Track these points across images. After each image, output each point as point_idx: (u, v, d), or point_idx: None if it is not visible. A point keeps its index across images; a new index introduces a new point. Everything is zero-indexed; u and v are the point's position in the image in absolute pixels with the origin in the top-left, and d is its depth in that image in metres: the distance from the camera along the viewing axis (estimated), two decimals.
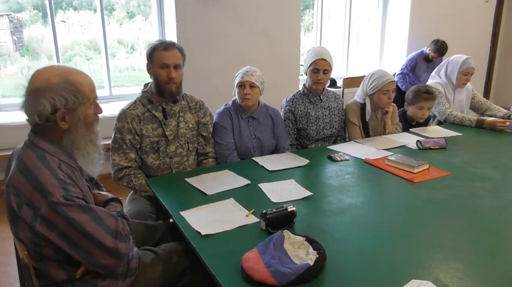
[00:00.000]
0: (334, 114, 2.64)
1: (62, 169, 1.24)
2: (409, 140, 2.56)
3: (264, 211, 1.44)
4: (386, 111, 2.67)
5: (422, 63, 4.73)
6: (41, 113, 1.22)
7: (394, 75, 4.57)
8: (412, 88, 2.92)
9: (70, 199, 1.17)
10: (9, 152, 1.38)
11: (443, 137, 2.55)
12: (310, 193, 1.76)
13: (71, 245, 1.19)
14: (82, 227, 1.17)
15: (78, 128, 1.30)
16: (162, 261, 1.48)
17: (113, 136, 2.07)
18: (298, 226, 1.49)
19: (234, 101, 2.35)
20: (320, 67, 2.45)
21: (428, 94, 2.83)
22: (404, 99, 3.01)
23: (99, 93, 3.96)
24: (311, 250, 1.25)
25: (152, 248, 1.53)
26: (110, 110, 3.52)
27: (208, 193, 1.77)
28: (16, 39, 4.24)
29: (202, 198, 1.73)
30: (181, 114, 2.15)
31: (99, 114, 1.40)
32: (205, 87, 3.93)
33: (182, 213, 1.58)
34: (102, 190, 1.57)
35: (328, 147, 2.47)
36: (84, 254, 1.20)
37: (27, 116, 1.26)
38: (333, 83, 4.99)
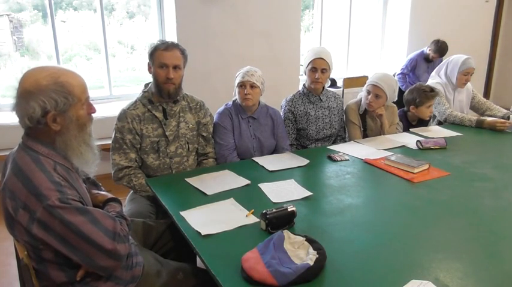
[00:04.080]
0: (334, 114, 2.64)
1: (58, 171, 1.23)
2: (409, 140, 2.56)
3: (264, 211, 1.44)
4: (380, 114, 2.66)
5: (422, 64, 4.73)
6: (31, 116, 1.21)
7: (394, 75, 4.58)
8: (412, 90, 2.90)
9: (66, 202, 1.16)
10: (9, 153, 1.38)
11: (443, 137, 2.55)
12: (310, 193, 1.76)
13: (68, 248, 1.18)
14: (79, 230, 1.16)
15: (70, 129, 1.28)
16: (167, 275, 1.46)
17: (113, 136, 2.07)
18: (298, 226, 1.48)
19: (234, 101, 2.35)
20: (318, 66, 2.45)
21: (433, 92, 2.86)
22: (403, 99, 3.01)
23: (99, 93, 3.98)
24: (311, 250, 1.25)
25: (160, 259, 1.52)
26: (110, 110, 3.53)
27: (208, 193, 1.77)
28: (16, 39, 4.24)
29: (202, 198, 1.73)
30: (181, 114, 2.15)
31: (94, 114, 1.38)
32: (205, 88, 3.93)
33: (182, 213, 1.58)
34: (101, 190, 1.57)
35: (328, 147, 2.47)
36: (83, 256, 1.19)
37: (19, 119, 1.24)
38: (333, 83, 4.99)
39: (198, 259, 1.38)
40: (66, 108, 1.24)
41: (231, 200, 1.69)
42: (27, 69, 1.26)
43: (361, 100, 2.71)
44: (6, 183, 1.22)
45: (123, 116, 2.06)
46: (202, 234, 1.42)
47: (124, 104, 2.13)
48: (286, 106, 2.60)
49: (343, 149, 2.40)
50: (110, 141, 2.08)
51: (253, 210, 1.58)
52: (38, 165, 1.21)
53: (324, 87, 2.60)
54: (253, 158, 2.24)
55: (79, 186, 1.31)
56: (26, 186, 1.17)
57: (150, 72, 2.09)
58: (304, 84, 2.62)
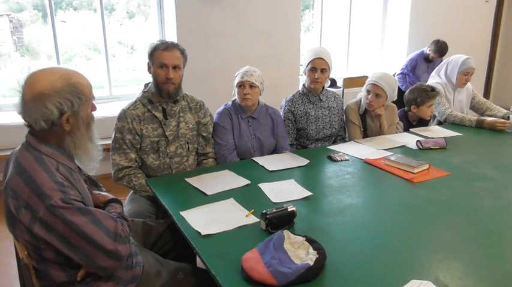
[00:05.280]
0: (334, 114, 2.64)
1: (60, 171, 1.24)
2: (409, 140, 2.56)
3: (264, 211, 1.44)
4: (379, 115, 2.66)
5: (422, 64, 4.73)
6: (48, 118, 1.21)
7: (394, 75, 4.59)
8: (412, 90, 2.91)
9: (68, 202, 1.17)
10: (9, 153, 1.38)
11: (443, 137, 2.55)
12: (310, 193, 1.76)
13: (70, 248, 1.18)
14: (81, 230, 1.17)
15: (80, 128, 1.30)
16: (167, 275, 1.46)
17: (113, 136, 2.07)
18: (298, 226, 1.48)
19: (233, 101, 2.35)
20: (317, 66, 2.45)
21: (434, 91, 2.87)
22: (403, 99, 3.01)
23: (99, 93, 3.99)
24: (311, 250, 1.25)
25: (160, 259, 1.52)
26: (110, 110, 3.53)
27: (208, 193, 1.77)
28: (16, 39, 4.24)
29: (202, 198, 1.73)
30: (181, 114, 2.15)
31: (94, 113, 1.40)
32: (205, 88, 3.93)
33: (182, 213, 1.58)
34: (102, 190, 1.57)
35: (328, 147, 2.47)
36: (84, 256, 1.19)
37: (31, 121, 1.24)
38: (333, 83, 4.99)
39: (198, 259, 1.38)
40: (80, 108, 1.27)
41: (231, 200, 1.69)
42: (32, 72, 1.26)
43: (361, 100, 2.71)
44: (8, 182, 1.22)
45: (123, 116, 2.06)
46: (202, 234, 1.42)
47: (124, 104, 2.13)
48: (286, 106, 2.60)
49: (343, 149, 2.40)
50: (110, 142, 2.08)
51: (253, 210, 1.58)
52: (41, 165, 1.21)
53: (323, 87, 2.60)
54: (253, 158, 2.23)
55: (81, 186, 1.32)
56: (28, 185, 1.17)
57: (149, 72, 2.09)
58: (304, 84, 2.62)
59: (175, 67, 2.02)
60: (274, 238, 1.29)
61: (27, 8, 4.20)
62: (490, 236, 1.44)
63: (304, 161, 2.17)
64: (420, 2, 5.26)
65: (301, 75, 4.62)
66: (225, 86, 3.90)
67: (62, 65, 3.77)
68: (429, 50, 4.64)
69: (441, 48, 4.54)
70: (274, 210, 1.44)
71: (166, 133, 2.09)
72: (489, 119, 2.93)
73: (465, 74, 3.07)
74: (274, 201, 1.69)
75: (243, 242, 1.35)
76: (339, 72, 5.30)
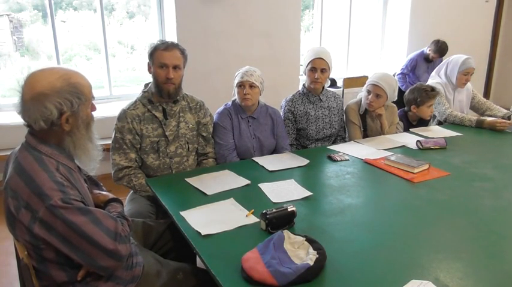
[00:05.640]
0: (334, 114, 2.64)
1: (60, 171, 1.24)
2: (409, 140, 2.56)
3: (264, 211, 1.44)
4: (380, 114, 2.67)
5: (422, 64, 4.73)
6: (47, 118, 1.21)
7: (394, 75, 4.59)
8: (412, 90, 2.91)
9: (68, 202, 1.17)
10: (9, 153, 1.38)
11: (443, 137, 2.55)
12: (310, 193, 1.76)
13: (70, 248, 1.18)
14: (81, 230, 1.17)
15: (80, 128, 1.30)
16: (167, 275, 1.46)
17: (113, 136, 2.07)
18: (298, 226, 1.48)
19: (233, 101, 2.35)
20: (317, 66, 2.45)
21: (434, 91, 2.87)
22: (403, 99, 3.01)
23: (99, 93, 3.99)
24: (311, 250, 1.26)
25: (160, 259, 1.52)
26: (110, 110, 3.53)
27: (208, 193, 1.77)
28: (16, 39, 4.24)
29: (202, 198, 1.73)
30: (181, 114, 2.15)
31: (94, 113, 1.40)
32: (205, 88, 3.93)
33: (182, 213, 1.58)
34: (103, 190, 1.57)
35: (328, 147, 2.47)
36: (84, 256, 1.19)
37: (31, 121, 1.24)
38: (333, 83, 4.99)
39: (198, 259, 1.38)
40: (79, 108, 1.27)
41: (231, 200, 1.69)
42: (31, 72, 1.26)
43: (361, 100, 2.71)
44: (8, 182, 1.22)
45: (123, 116, 2.06)
46: (202, 234, 1.42)
47: (124, 104, 2.13)
48: (286, 106, 2.60)
49: (343, 149, 2.40)
50: (110, 141, 2.08)
51: (253, 210, 1.58)
52: (41, 165, 1.21)
53: (323, 87, 2.60)
54: (253, 158, 2.23)
55: (81, 186, 1.32)
56: (28, 185, 1.17)
57: (150, 72, 2.09)
58: (304, 84, 2.62)
59: (175, 67, 2.03)
60: (274, 238, 1.29)
61: (27, 8, 4.20)
62: (490, 236, 1.44)
63: (304, 161, 2.17)
64: (420, 2, 5.26)
65: (301, 75, 4.62)
66: (225, 86, 3.90)
67: (62, 65, 3.77)
68: (429, 50, 4.64)
69: (441, 48, 4.55)
70: (274, 210, 1.44)
71: (166, 133, 2.09)
72: (489, 119, 2.93)
73: (465, 74, 3.07)
74: (274, 201, 1.69)
75: (243, 242, 1.35)
76: (339, 72, 5.30)
